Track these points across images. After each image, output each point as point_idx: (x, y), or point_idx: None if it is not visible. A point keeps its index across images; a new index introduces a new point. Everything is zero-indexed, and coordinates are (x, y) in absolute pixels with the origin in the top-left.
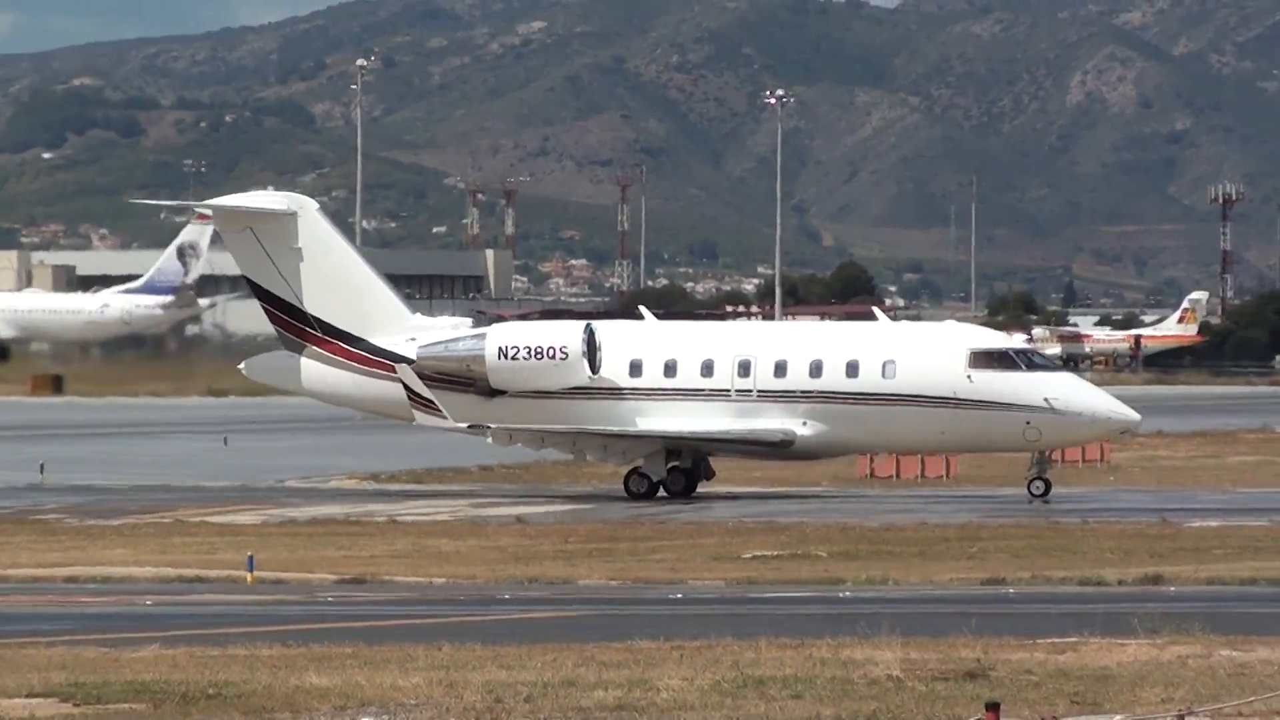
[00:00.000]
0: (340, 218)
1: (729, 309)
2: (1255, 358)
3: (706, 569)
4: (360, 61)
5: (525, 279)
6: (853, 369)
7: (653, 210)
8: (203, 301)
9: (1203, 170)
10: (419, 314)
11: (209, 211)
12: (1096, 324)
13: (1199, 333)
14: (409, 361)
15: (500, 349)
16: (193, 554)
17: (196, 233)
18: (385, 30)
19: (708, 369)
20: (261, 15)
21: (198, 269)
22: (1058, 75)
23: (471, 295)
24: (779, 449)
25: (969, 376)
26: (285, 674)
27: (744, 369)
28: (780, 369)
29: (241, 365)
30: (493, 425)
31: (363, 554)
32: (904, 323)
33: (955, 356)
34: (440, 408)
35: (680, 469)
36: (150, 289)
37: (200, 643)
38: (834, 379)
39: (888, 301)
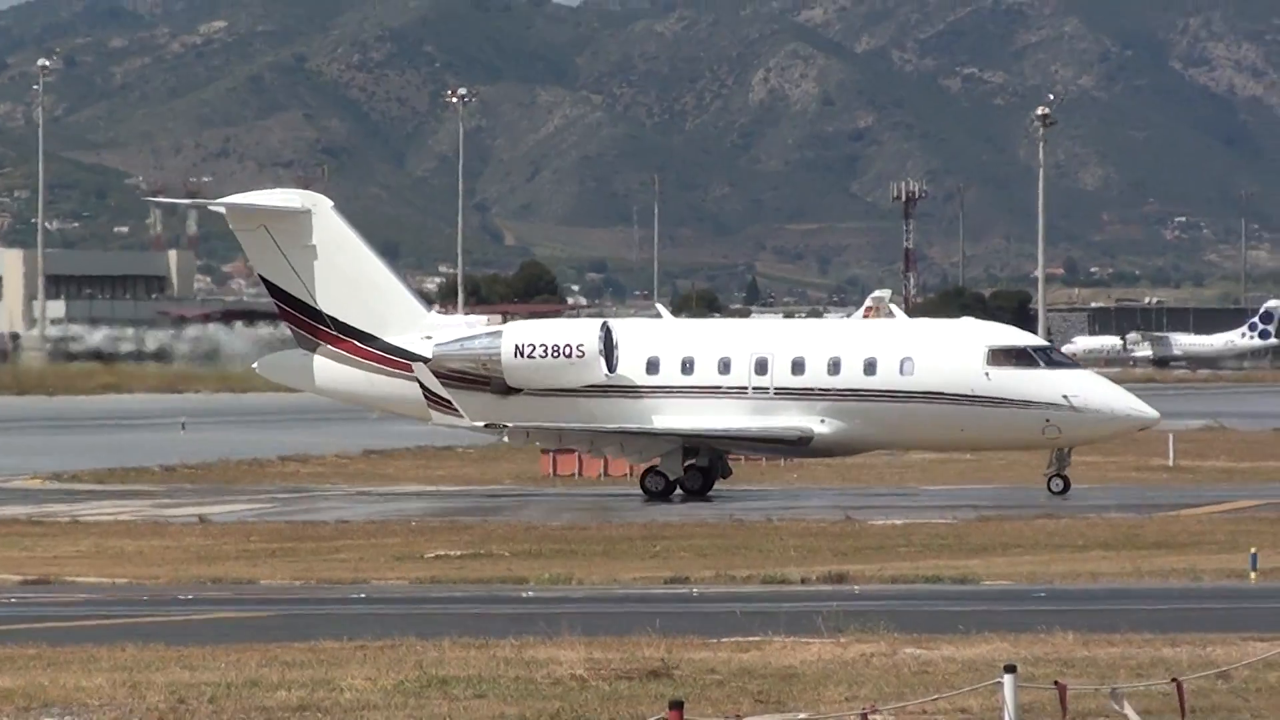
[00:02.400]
0: (22, 218)
1: None
2: None
3: (390, 569)
4: (42, 61)
5: (208, 279)
6: (871, 366)
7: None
8: None
9: (885, 168)
10: (433, 312)
11: (223, 209)
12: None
13: None
14: (424, 360)
15: (517, 347)
16: None
17: None
18: (67, 30)
19: (725, 367)
20: None
21: None
22: (740, 73)
23: (154, 296)
24: (796, 447)
25: (987, 374)
26: None
27: (761, 367)
28: (798, 366)
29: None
30: (509, 424)
31: (46, 554)
32: (922, 320)
33: (974, 354)
34: (457, 407)
35: (697, 467)
36: None
37: None
38: (852, 376)
39: (570, 300)
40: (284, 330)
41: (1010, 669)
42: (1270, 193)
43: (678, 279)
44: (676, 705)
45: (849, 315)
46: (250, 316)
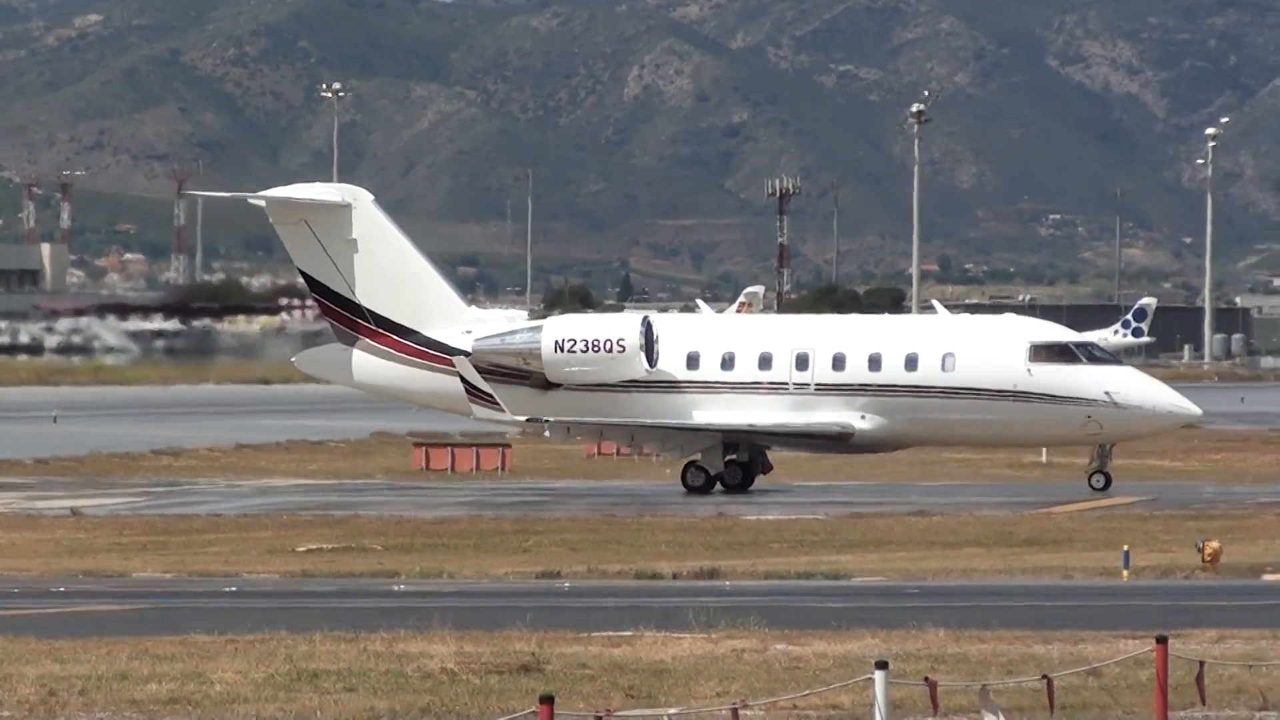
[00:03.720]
0: None
1: (284, 302)
2: None
3: (261, 562)
4: None
5: (82, 273)
6: (912, 362)
7: (209, 204)
8: None
9: (760, 164)
10: (474, 306)
11: (263, 203)
12: None
13: None
14: (465, 354)
15: (557, 342)
16: None
17: None
18: None
19: (765, 362)
20: None
21: None
22: (615, 69)
23: (28, 289)
24: (837, 442)
25: (1029, 369)
26: None
27: (802, 362)
28: (838, 362)
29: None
30: (550, 418)
31: None
32: (963, 315)
33: (1015, 349)
34: (499, 401)
35: (738, 462)
36: None
37: None
38: (893, 372)
39: None
40: (162, 323)
41: (882, 665)
42: (1145, 190)
43: (551, 274)
44: (547, 700)
45: (722, 311)
46: (123, 310)
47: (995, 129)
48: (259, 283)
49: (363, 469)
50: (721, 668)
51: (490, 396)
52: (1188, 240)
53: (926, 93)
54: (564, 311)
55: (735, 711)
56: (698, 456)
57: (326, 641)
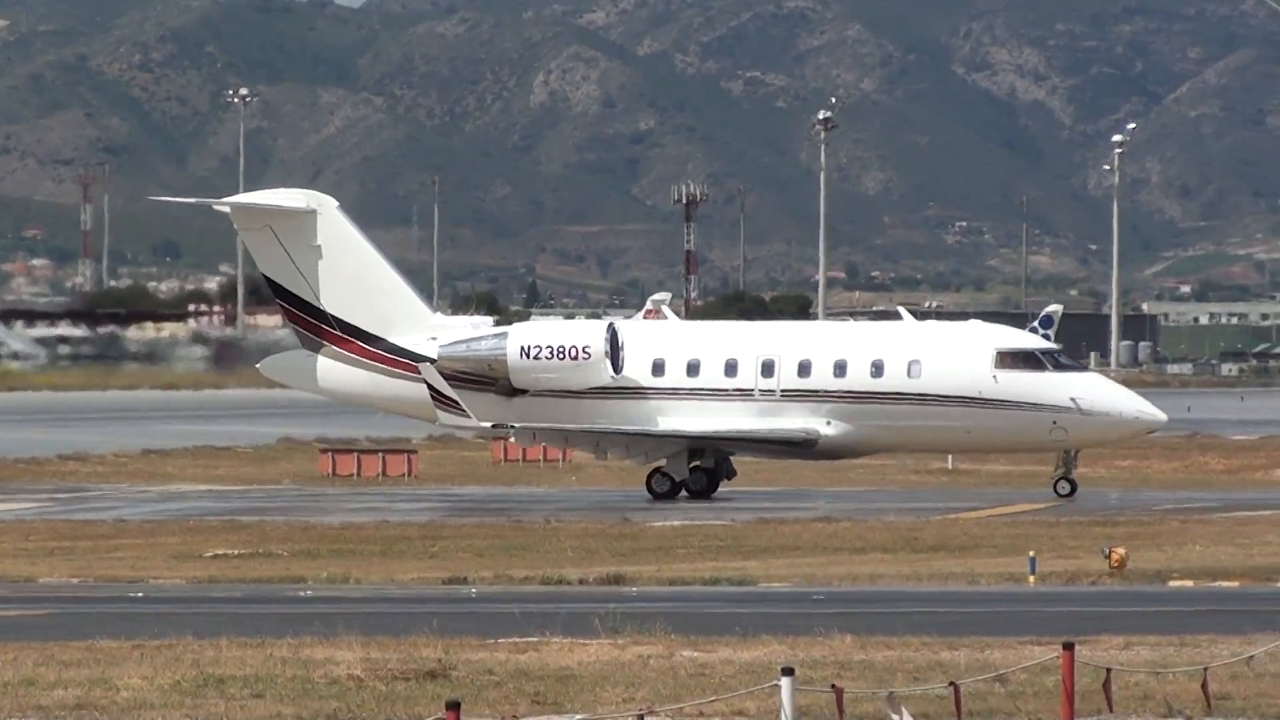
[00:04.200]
0: None
1: (192, 308)
2: None
3: (168, 567)
4: None
5: None
6: (878, 369)
7: (116, 209)
8: None
9: (667, 170)
10: (439, 313)
11: (227, 209)
12: None
13: None
14: (430, 360)
15: (522, 348)
16: None
17: None
18: None
19: (731, 369)
20: None
21: None
22: (521, 75)
23: None
24: (803, 448)
25: (995, 376)
26: None
27: (768, 369)
28: (804, 369)
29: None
30: (516, 425)
31: None
32: (930, 322)
33: (981, 356)
34: (464, 407)
35: (702, 469)
36: None
37: None
38: (859, 378)
39: None
40: (65, 329)
41: (788, 671)
42: (1051, 197)
43: (458, 280)
44: (453, 706)
45: (628, 319)
46: (30, 316)
47: (902, 136)
48: (167, 288)
49: (270, 474)
50: (627, 674)
51: (456, 403)
52: (1094, 247)
53: (833, 99)
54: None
55: (641, 718)
56: (663, 463)
57: (233, 647)
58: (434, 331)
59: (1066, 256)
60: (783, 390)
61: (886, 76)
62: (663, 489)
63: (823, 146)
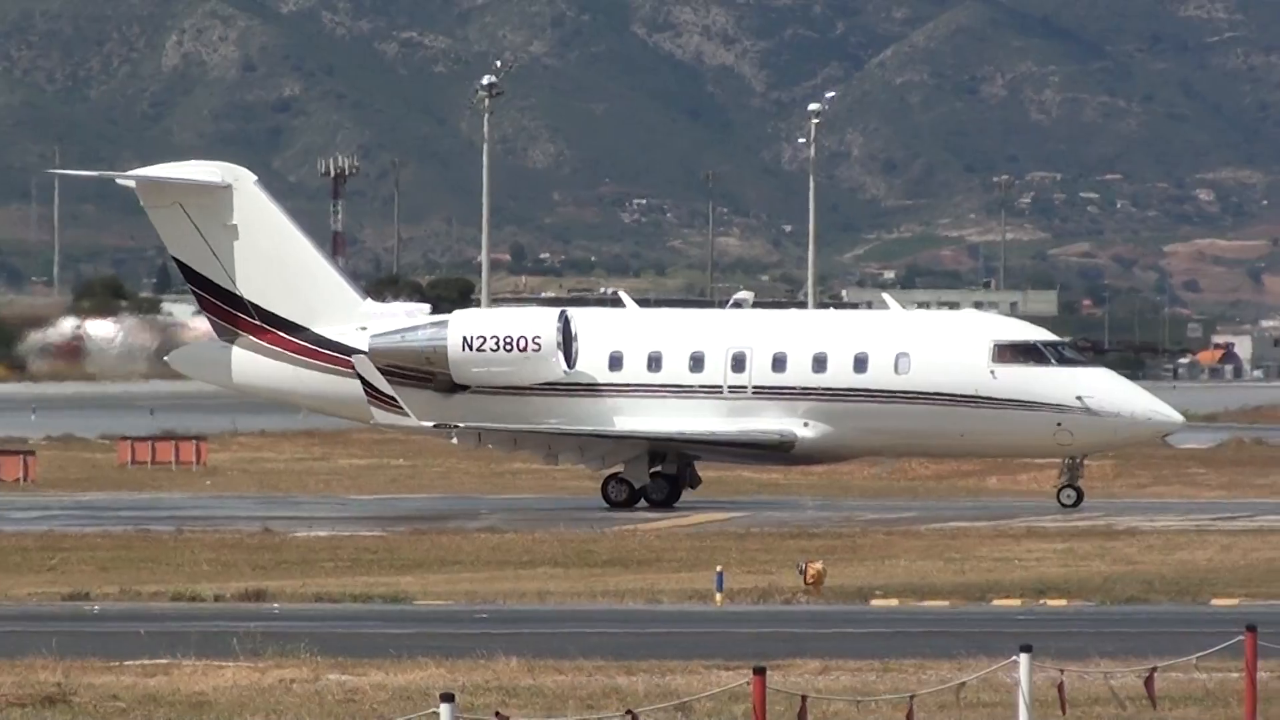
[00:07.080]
0: None
1: None
2: None
3: None
4: None
5: None
6: (861, 363)
7: None
8: None
9: (313, 141)
10: (369, 300)
11: (132, 183)
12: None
13: None
14: (362, 352)
15: (465, 339)
16: None
17: None
18: None
19: (697, 363)
20: None
21: None
22: (152, 35)
23: None
24: (777, 453)
25: (992, 371)
26: None
27: (738, 363)
28: (779, 363)
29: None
30: (459, 425)
31: None
32: (920, 311)
33: (977, 349)
34: (403, 405)
35: (664, 475)
36: None
37: None
38: (840, 374)
39: None
40: None
41: (447, 698)
42: (740, 173)
43: (81, 263)
44: None
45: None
46: None
47: (575, 104)
48: None
49: None
50: (269, 700)
51: (393, 400)
52: (788, 228)
53: (499, 63)
54: (95, 305)
55: None
56: (620, 468)
57: None
58: (364, 320)
59: (758, 238)
60: (755, 387)
61: (558, 38)
62: (620, 497)
63: (486, 116)
